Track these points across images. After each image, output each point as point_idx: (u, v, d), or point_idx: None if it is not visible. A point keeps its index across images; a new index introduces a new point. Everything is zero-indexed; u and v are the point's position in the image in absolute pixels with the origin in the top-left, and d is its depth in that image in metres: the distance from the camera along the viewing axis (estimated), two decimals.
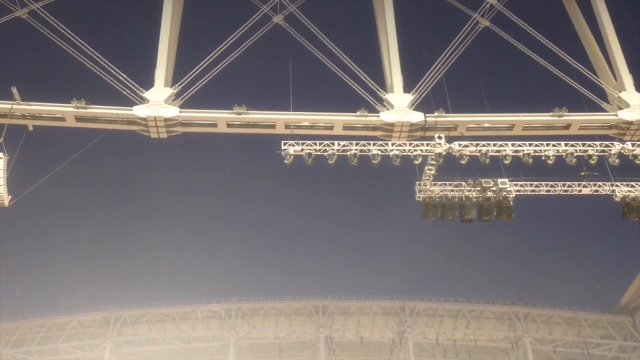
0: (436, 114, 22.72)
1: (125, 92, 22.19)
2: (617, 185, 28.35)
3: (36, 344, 43.26)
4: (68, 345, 43.41)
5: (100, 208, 55.87)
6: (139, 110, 22.25)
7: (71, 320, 43.83)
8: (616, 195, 28.56)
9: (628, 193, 28.30)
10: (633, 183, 28.42)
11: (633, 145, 24.86)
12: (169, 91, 22.38)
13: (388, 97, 22.62)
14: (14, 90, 22.09)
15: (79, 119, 22.56)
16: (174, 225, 58.60)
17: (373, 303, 45.48)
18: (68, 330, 43.71)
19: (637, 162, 25.30)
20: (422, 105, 22.74)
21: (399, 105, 22.53)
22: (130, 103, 22.36)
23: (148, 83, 22.39)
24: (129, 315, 44.41)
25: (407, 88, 22.78)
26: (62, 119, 22.64)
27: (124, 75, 22.04)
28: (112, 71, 21.97)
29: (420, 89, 22.63)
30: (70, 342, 43.51)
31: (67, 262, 53.05)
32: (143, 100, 22.29)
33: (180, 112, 22.47)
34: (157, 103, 22.30)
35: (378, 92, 22.61)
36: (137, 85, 22.18)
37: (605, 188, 28.49)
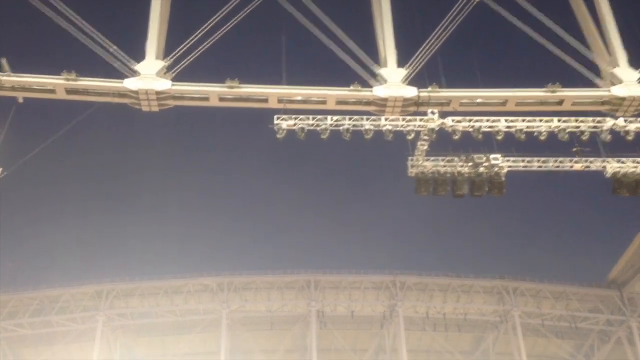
0: (429, 89, 22.67)
1: (116, 65, 21.97)
2: (608, 162, 28.53)
3: (28, 317, 43.38)
4: (60, 318, 43.51)
5: (92, 181, 55.63)
6: (130, 83, 22.07)
7: (63, 293, 43.88)
8: (607, 171, 28.79)
9: (619, 169, 28.51)
10: (624, 159, 28.63)
11: (625, 121, 25.01)
12: (161, 64, 22.17)
13: (381, 71, 22.54)
14: (4, 61, 21.85)
15: (69, 91, 22.36)
16: (165, 199, 58.55)
17: (364, 277, 45.78)
18: (60, 303, 43.79)
19: (629, 138, 25.49)
20: (416, 80, 22.67)
21: (393, 80, 22.45)
22: (121, 76, 22.15)
23: (139, 55, 22.18)
24: (121, 288, 44.49)
25: (401, 63, 22.68)
26: (53, 91, 22.43)
27: (115, 47, 21.81)
28: (103, 43, 21.72)
29: (414, 63, 22.53)
30: (62, 314, 43.61)
31: (59, 236, 52.99)
32: (134, 73, 22.08)
33: (172, 85, 22.29)
34: (149, 76, 22.11)
35: (371, 67, 22.50)
36: (128, 58, 21.96)
37: (596, 164, 28.66)
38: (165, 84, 22.21)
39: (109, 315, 43.85)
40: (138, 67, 22.08)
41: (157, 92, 22.26)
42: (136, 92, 22.17)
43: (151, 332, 45.56)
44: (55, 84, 22.13)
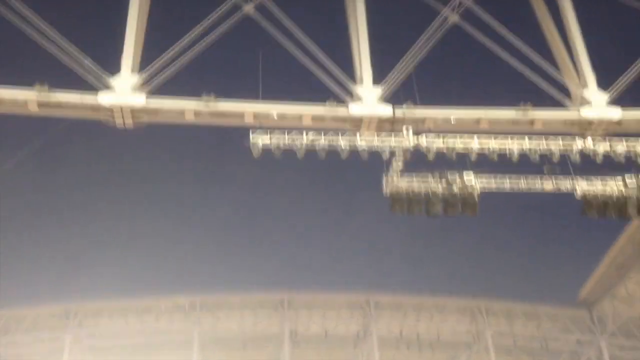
0: (405, 107, 22.87)
1: (90, 79, 21.71)
2: (577, 182, 29.05)
3: None
4: (27, 338, 42.41)
5: (60, 197, 54.59)
6: (104, 99, 21.80)
7: (30, 313, 42.79)
8: (577, 192, 29.28)
9: (588, 190, 29.03)
10: (593, 180, 29.16)
11: (594, 142, 25.53)
12: (136, 78, 21.98)
13: (357, 89, 22.71)
14: None
15: (41, 105, 21.95)
16: (136, 216, 57.71)
17: (338, 296, 45.62)
18: (27, 323, 42.69)
19: (598, 159, 26.02)
20: (391, 98, 22.89)
21: (368, 98, 22.64)
22: (95, 90, 21.87)
23: (114, 68, 21.97)
24: (89, 307, 43.58)
25: (377, 81, 22.89)
26: (24, 105, 22.02)
27: (89, 60, 21.58)
28: (77, 56, 21.47)
29: (390, 82, 22.75)
30: (29, 334, 42.51)
31: (26, 253, 51.77)
32: (108, 88, 21.84)
33: (147, 100, 22.10)
34: (123, 91, 21.89)
35: (347, 84, 22.66)
36: (103, 71, 21.73)
37: (566, 184, 29.17)
38: (140, 100, 21.99)
39: (77, 335, 42.86)
40: (112, 81, 21.85)
41: (132, 108, 22.03)
42: (110, 107, 21.91)
43: (121, 352, 44.59)
44: (27, 97, 21.74)
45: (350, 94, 22.58)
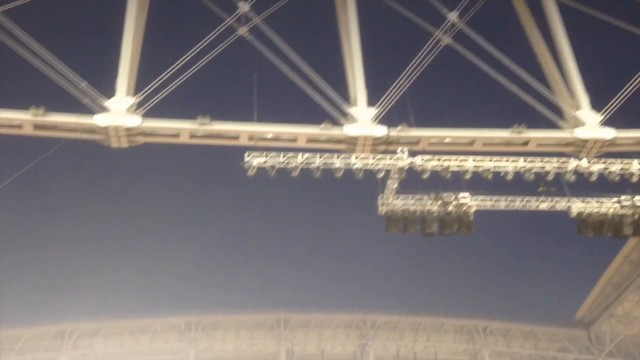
0: (399, 128, 22.96)
1: (85, 101, 21.79)
2: (572, 201, 29.19)
3: None
4: (21, 359, 42.08)
5: (54, 217, 54.42)
6: (99, 119, 21.85)
7: (24, 333, 42.52)
8: (572, 211, 29.40)
9: (583, 209, 29.16)
10: (588, 199, 29.30)
11: (589, 162, 25.68)
12: (131, 100, 22.06)
13: (352, 110, 22.78)
14: None
15: (37, 126, 22.00)
16: (131, 237, 57.55)
17: (334, 316, 45.46)
18: (21, 344, 42.39)
19: (593, 178, 26.17)
20: (386, 119, 22.97)
21: (363, 119, 22.70)
22: (91, 112, 21.95)
23: (110, 91, 22.06)
24: (84, 328, 43.35)
25: (371, 102, 22.99)
26: (19, 127, 22.08)
27: (85, 83, 21.66)
28: (73, 79, 21.56)
29: (384, 103, 22.87)
30: (23, 355, 42.19)
31: (20, 272, 51.47)
32: (104, 109, 21.91)
33: (143, 121, 22.15)
34: (119, 112, 21.94)
35: (342, 106, 22.76)
36: (98, 94, 21.82)
37: (561, 204, 29.34)
38: (135, 121, 22.04)
39: (72, 356, 42.61)
40: (108, 103, 21.89)
41: (127, 129, 22.07)
42: (106, 128, 21.95)
43: None
44: (23, 119, 21.80)
45: (345, 115, 22.65)
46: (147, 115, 22.19)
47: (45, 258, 53.38)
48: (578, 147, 23.31)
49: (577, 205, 29.20)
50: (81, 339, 43.39)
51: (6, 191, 24.17)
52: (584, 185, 26.92)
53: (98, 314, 44.13)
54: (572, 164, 25.90)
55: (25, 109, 21.72)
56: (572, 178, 25.97)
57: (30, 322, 43.09)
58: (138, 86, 22.43)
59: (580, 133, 22.91)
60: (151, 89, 22.03)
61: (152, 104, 22.01)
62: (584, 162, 25.71)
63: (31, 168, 23.63)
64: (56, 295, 51.91)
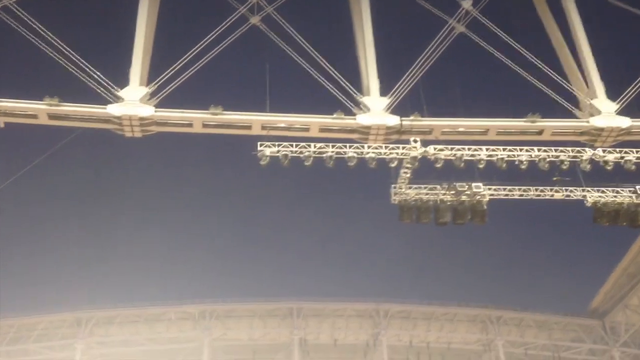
0: (412, 117, 22.87)
1: (99, 90, 21.93)
2: (588, 191, 28.93)
3: (5, 345, 42.47)
4: (38, 346, 42.69)
5: (71, 207, 54.97)
6: (113, 109, 22.00)
7: (41, 321, 43.10)
8: (587, 201, 29.14)
9: (599, 198, 28.89)
10: (603, 189, 29.02)
11: (604, 151, 25.43)
12: (144, 90, 22.17)
13: (364, 100, 22.73)
14: None
15: (51, 116, 22.22)
16: (146, 225, 57.99)
17: (347, 305, 45.54)
18: (38, 331, 42.99)
19: (608, 167, 25.90)
20: (398, 109, 22.88)
21: (376, 108, 22.64)
22: (105, 102, 22.12)
23: (123, 82, 22.18)
24: (100, 316, 43.82)
25: (384, 91, 22.90)
26: (35, 117, 22.30)
27: (99, 74, 21.80)
28: (87, 69, 21.70)
29: (397, 92, 22.77)
30: (40, 342, 42.80)
31: (37, 261, 52.18)
32: (118, 99, 22.06)
33: (156, 111, 22.27)
34: (132, 102, 22.08)
35: (355, 95, 22.69)
36: (111, 84, 21.95)
37: (576, 193, 29.07)
38: (148, 110, 22.18)
39: (88, 343, 43.08)
40: (122, 93, 22.04)
41: (141, 118, 22.21)
42: (119, 117, 22.11)
43: None
44: (38, 109, 22.01)
45: (358, 105, 22.60)
46: (160, 105, 22.31)
47: (62, 247, 54.01)
48: (593, 136, 23.12)
49: (593, 195, 28.92)
50: (97, 326, 43.89)
51: (24, 181, 24.42)
52: (599, 175, 26.66)
53: (114, 302, 44.65)
54: (588, 153, 25.62)
55: (39, 99, 21.94)
56: (588, 167, 25.69)
57: (47, 310, 43.66)
58: (151, 76, 22.55)
59: (595, 122, 22.71)
60: (164, 78, 22.13)
61: (165, 94, 22.12)
62: (599, 151, 25.44)
63: (49, 157, 23.84)
64: (73, 284, 52.60)
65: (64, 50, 21.69)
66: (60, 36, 21.78)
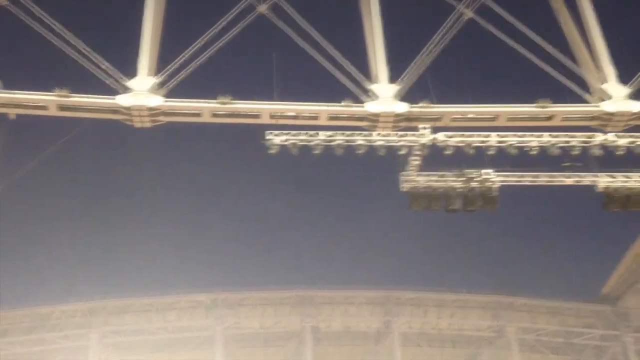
0: (421, 104, 22.81)
1: (108, 82, 22.05)
2: (598, 176, 28.69)
3: (21, 334, 42.99)
4: (53, 335, 43.14)
5: (82, 198, 55.35)
6: (122, 100, 22.15)
7: (55, 310, 43.55)
8: (598, 186, 28.92)
9: (610, 184, 28.65)
10: (614, 174, 28.78)
11: (615, 136, 25.22)
12: (153, 80, 22.27)
13: (373, 87, 22.71)
14: None
15: (61, 107, 22.40)
16: (157, 216, 58.24)
17: (358, 293, 45.62)
18: (53, 320, 43.45)
19: (619, 152, 25.70)
20: (407, 96, 22.82)
21: (384, 96, 22.61)
22: (113, 92, 22.23)
23: (131, 72, 22.27)
24: (114, 305, 44.19)
25: (393, 79, 22.84)
26: (45, 108, 22.47)
27: (107, 64, 21.90)
28: (96, 60, 21.81)
29: (406, 79, 22.70)
30: (55, 332, 43.23)
31: (51, 252, 52.62)
32: (126, 90, 22.16)
33: (165, 101, 22.37)
34: (141, 92, 22.19)
35: (363, 83, 22.65)
36: (120, 74, 22.05)
37: (587, 179, 28.81)
38: (157, 100, 22.29)
39: (103, 332, 43.47)
40: (130, 83, 22.17)
41: (150, 109, 22.33)
42: (129, 108, 22.24)
43: (144, 349, 45.16)
44: (48, 100, 22.17)
45: (367, 93, 22.57)
46: (169, 95, 22.41)
47: (75, 237, 54.48)
48: (604, 121, 22.99)
49: (603, 180, 28.69)
50: (111, 315, 44.28)
51: (37, 172, 24.66)
52: (610, 160, 26.47)
53: (127, 291, 45.01)
54: (599, 137, 25.41)
55: (48, 91, 22.08)
56: (598, 152, 25.50)
57: (61, 300, 44.12)
58: (159, 66, 22.62)
59: (606, 106, 22.57)
60: (172, 68, 22.21)
61: (173, 84, 22.19)
62: (610, 136, 25.22)
63: (61, 150, 24.05)
64: (86, 274, 53.06)
65: (72, 42, 21.81)
66: (68, 28, 21.89)
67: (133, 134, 23.55)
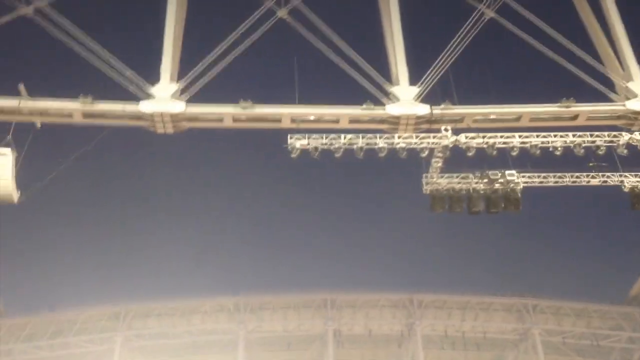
0: (442, 106, 22.67)
1: (131, 89, 22.27)
2: (625, 176, 28.26)
3: (47, 339, 43.56)
4: (79, 339, 43.65)
5: (106, 204, 56.11)
6: (145, 106, 22.34)
7: (81, 315, 44.08)
8: (625, 186, 28.48)
9: (637, 183, 28.19)
10: None
11: None
12: (175, 86, 22.43)
13: (394, 89, 22.61)
14: (21, 87, 22.19)
15: (86, 115, 22.66)
16: (180, 221, 58.81)
17: (381, 296, 45.43)
18: (78, 325, 43.96)
19: None
20: (428, 98, 22.70)
21: (405, 98, 22.50)
22: (136, 99, 22.44)
23: (154, 78, 22.47)
24: (138, 309, 44.57)
25: (413, 81, 22.73)
26: (70, 116, 22.75)
27: (131, 71, 22.12)
28: (118, 67, 22.04)
29: (426, 81, 22.58)
30: (80, 336, 43.74)
31: (76, 257, 53.40)
32: (149, 96, 22.36)
33: (187, 107, 22.52)
34: (163, 98, 22.37)
35: (384, 85, 22.57)
36: (143, 81, 22.25)
37: (613, 179, 28.42)
38: (179, 106, 22.45)
39: (127, 336, 43.87)
40: (153, 90, 22.35)
41: (172, 115, 22.49)
42: (151, 114, 22.42)
43: (169, 352, 45.47)
44: (72, 108, 22.45)
45: (387, 95, 22.48)
46: (191, 100, 22.54)
47: (98, 243, 55.18)
48: (630, 120, 22.62)
49: (630, 180, 28.24)
50: (135, 319, 44.66)
51: (63, 179, 24.94)
52: (637, 159, 26.05)
53: (151, 295, 45.38)
54: (624, 137, 25.02)
55: (73, 98, 22.35)
56: (625, 152, 25.10)
57: (87, 305, 44.65)
58: (181, 72, 22.78)
59: (632, 105, 22.22)
60: (194, 74, 22.35)
61: (195, 90, 22.33)
62: (636, 135, 24.81)
63: (88, 156, 24.29)
64: (111, 278, 53.71)
65: (96, 50, 22.06)
66: (91, 35, 22.15)
67: (149, 141, 23.77)
